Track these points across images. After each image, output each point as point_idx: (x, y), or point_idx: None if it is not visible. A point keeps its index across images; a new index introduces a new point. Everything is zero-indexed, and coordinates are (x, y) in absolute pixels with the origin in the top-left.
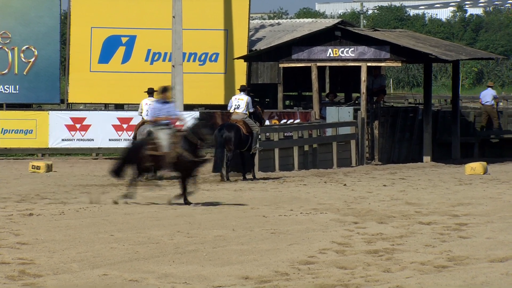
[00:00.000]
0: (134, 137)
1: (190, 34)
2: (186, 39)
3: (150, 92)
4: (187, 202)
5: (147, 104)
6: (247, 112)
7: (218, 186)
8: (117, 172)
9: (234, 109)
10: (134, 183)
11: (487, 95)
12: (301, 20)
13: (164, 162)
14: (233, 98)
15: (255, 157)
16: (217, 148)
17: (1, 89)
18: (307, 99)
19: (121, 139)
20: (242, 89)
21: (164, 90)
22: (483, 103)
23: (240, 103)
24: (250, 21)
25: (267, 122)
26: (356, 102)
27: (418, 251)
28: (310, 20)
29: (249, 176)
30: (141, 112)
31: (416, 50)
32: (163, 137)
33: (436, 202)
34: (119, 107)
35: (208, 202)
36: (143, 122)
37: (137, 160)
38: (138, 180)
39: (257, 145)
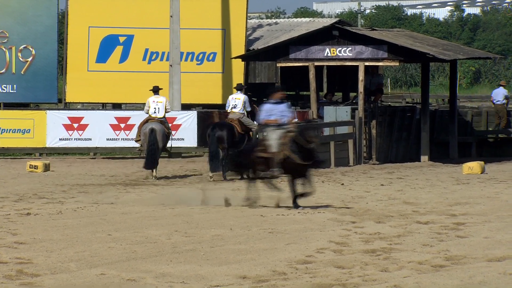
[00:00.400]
0: (138, 135)
1: (187, 34)
2: (183, 39)
3: (156, 90)
4: (296, 205)
5: (154, 102)
6: (244, 111)
7: (216, 185)
8: (237, 170)
9: (231, 108)
10: (252, 185)
11: (499, 94)
12: (299, 19)
13: (272, 162)
14: (230, 97)
15: None
16: (210, 147)
17: None
18: (304, 98)
19: (118, 139)
20: (239, 88)
21: (276, 90)
22: (494, 102)
23: (237, 102)
24: (248, 20)
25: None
26: (354, 101)
27: (416, 251)
28: (307, 19)
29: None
30: (148, 110)
31: (414, 50)
32: (272, 138)
33: (433, 201)
34: (116, 106)
35: (314, 205)
36: (147, 120)
37: (249, 162)
38: (255, 182)
39: None
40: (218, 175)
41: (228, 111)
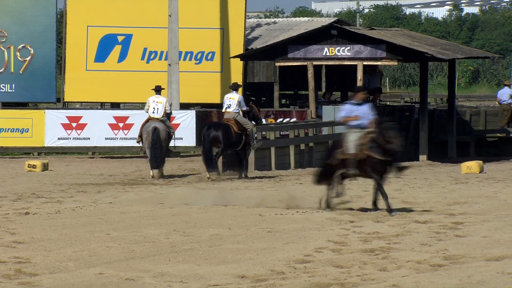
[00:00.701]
0: (140, 135)
1: (186, 33)
2: (182, 38)
3: (157, 90)
4: (375, 207)
5: (154, 102)
6: (239, 111)
7: (214, 185)
8: (319, 180)
9: (226, 108)
10: (334, 188)
11: (504, 94)
12: (297, 19)
13: (350, 163)
14: (225, 97)
15: (249, 156)
16: (204, 146)
17: None
18: (303, 98)
19: (117, 138)
20: (233, 87)
21: (358, 90)
22: (501, 102)
23: (231, 102)
24: (246, 20)
25: (263, 121)
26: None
27: (414, 250)
28: (306, 19)
29: (246, 175)
30: (148, 109)
31: (412, 49)
32: (351, 139)
33: (432, 201)
34: (115, 106)
35: (401, 208)
36: (148, 119)
37: (331, 165)
38: (337, 185)
39: (255, 142)
40: (215, 174)
41: (223, 111)
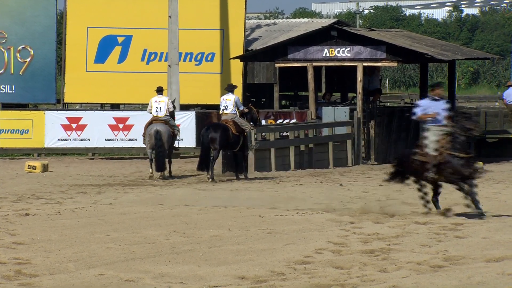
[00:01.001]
0: (143, 135)
1: (186, 34)
2: (182, 39)
3: (159, 91)
4: (480, 213)
5: (156, 101)
6: (236, 112)
7: (214, 186)
8: (391, 179)
9: (223, 110)
10: (424, 193)
11: (510, 95)
12: (297, 20)
13: (428, 166)
14: (221, 98)
15: (249, 157)
16: (201, 147)
17: None
18: (303, 99)
19: (117, 139)
20: (229, 89)
21: (435, 86)
22: (507, 102)
23: (228, 103)
24: (246, 21)
25: (263, 122)
26: (352, 102)
27: (414, 251)
28: (306, 20)
29: (241, 176)
30: (151, 110)
31: (412, 50)
32: (430, 139)
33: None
34: (115, 107)
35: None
36: (152, 121)
37: (409, 168)
38: (424, 186)
39: (253, 144)
40: (217, 175)
41: (220, 112)
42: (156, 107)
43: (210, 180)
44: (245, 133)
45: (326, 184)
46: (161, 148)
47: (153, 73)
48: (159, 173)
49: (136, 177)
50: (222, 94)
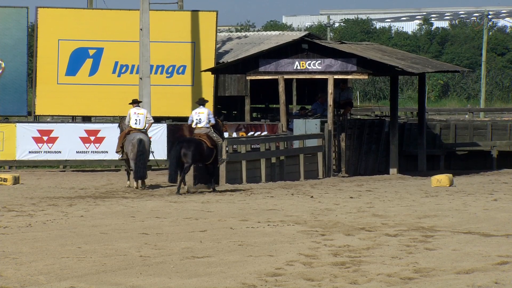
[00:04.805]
0: (121, 146)
1: (157, 47)
2: (153, 52)
3: (135, 102)
4: None
5: (135, 113)
6: (209, 126)
7: (186, 198)
8: None
9: (196, 123)
10: None
11: None
12: (268, 32)
13: None
14: (193, 112)
15: (220, 169)
16: (171, 160)
17: None
18: (274, 111)
19: (88, 151)
20: (201, 103)
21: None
22: None
23: (201, 116)
24: (218, 33)
25: (234, 134)
26: (309, 113)
27: (385, 263)
28: (277, 32)
29: (214, 188)
30: (129, 121)
31: (383, 63)
32: None
33: (402, 214)
34: (86, 119)
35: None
36: (129, 131)
37: None
38: None
39: (223, 157)
40: (191, 187)
41: (193, 126)
42: (136, 119)
43: (179, 192)
44: (218, 146)
45: (297, 196)
46: (144, 155)
47: (124, 86)
48: (140, 181)
49: (107, 189)
50: (193, 107)
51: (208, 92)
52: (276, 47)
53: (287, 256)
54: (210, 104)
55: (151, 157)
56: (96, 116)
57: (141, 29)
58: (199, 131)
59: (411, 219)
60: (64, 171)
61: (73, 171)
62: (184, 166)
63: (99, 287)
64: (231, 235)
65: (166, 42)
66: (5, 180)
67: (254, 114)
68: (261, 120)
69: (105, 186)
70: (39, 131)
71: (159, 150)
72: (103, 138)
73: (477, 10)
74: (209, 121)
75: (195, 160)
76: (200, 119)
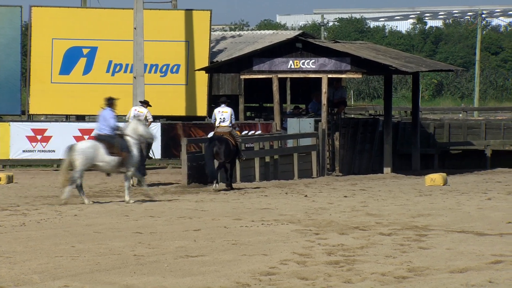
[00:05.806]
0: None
1: (151, 46)
2: (147, 51)
3: (144, 103)
4: None
5: (136, 110)
6: (231, 124)
7: (180, 197)
8: None
9: (220, 122)
10: None
11: None
12: (262, 31)
13: None
14: (216, 111)
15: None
16: (207, 159)
17: None
18: (268, 110)
19: None
20: (224, 101)
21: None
22: None
23: (225, 116)
24: (211, 32)
25: None
26: (302, 112)
27: (379, 262)
28: (271, 31)
29: (231, 185)
30: (129, 118)
31: (377, 62)
32: None
33: (396, 213)
34: (80, 118)
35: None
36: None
37: None
38: None
39: (242, 154)
40: (181, 186)
41: (216, 124)
42: (134, 116)
43: (214, 190)
44: (239, 145)
45: (291, 196)
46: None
47: (118, 85)
48: (136, 179)
49: (101, 188)
50: (187, 106)
51: (202, 91)
52: (270, 46)
53: (281, 255)
54: (204, 103)
55: (151, 156)
56: (90, 115)
57: (135, 28)
58: (222, 130)
59: (405, 218)
60: (58, 170)
61: None
62: (218, 163)
63: (93, 286)
64: (225, 234)
65: (160, 41)
66: None
67: (248, 113)
68: (255, 119)
69: (99, 185)
70: (33, 130)
71: (153, 149)
72: None
73: (471, 9)
74: (232, 120)
75: (227, 158)
76: (224, 118)
